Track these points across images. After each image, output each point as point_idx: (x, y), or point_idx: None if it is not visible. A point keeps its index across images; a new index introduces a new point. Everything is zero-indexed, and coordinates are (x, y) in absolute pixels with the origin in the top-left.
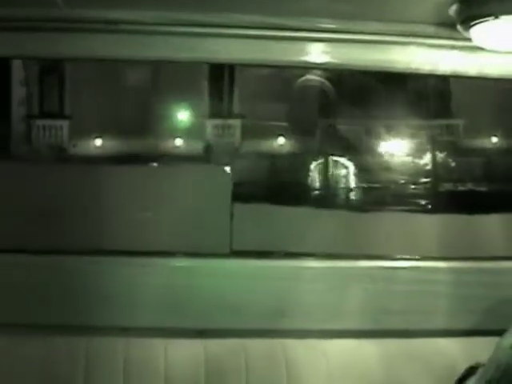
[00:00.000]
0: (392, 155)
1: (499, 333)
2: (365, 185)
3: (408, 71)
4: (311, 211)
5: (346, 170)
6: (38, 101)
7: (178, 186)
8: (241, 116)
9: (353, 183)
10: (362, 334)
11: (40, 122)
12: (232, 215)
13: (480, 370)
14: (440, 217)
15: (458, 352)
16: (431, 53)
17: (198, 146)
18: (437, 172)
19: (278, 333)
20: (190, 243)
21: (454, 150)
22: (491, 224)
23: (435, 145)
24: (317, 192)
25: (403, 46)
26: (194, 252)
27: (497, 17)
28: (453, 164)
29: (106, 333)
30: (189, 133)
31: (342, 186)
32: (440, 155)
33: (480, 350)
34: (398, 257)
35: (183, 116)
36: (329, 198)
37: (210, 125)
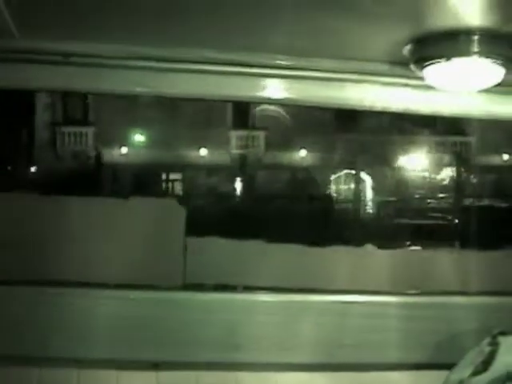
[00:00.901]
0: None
1: (449, 367)
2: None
3: (361, 108)
4: (264, 245)
5: (362, 184)
6: (62, 107)
7: (133, 219)
8: (263, 128)
9: (369, 196)
10: (314, 368)
11: (65, 129)
12: (185, 248)
13: None
14: (392, 252)
15: None
16: (384, 90)
17: (222, 157)
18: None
19: (231, 366)
20: (145, 276)
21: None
22: (442, 259)
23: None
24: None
25: (357, 84)
26: (148, 284)
27: (449, 59)
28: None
29: (59, 364)
30: (213, 143)
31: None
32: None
33: (430, 383)
34: (351, 291)
35: (208, 126)
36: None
37: (234, 136)
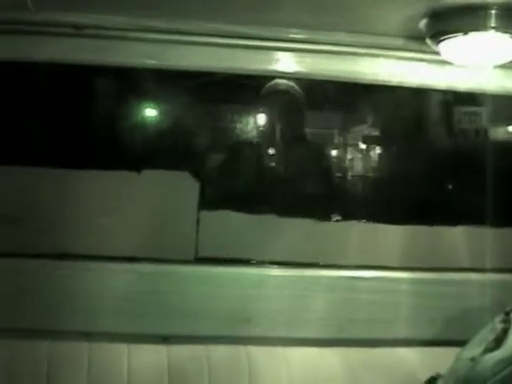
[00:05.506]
0: None
1: (459, 343)
2: None
3: (376, 83)
4: (277, 219)
5: None
6: None
7: (144, 191)
8: None
9: None
10: (324, 343)
11: (462, 109)
12: (198, 222)
13: (440, 381)
14: (404, 227)
15: (418, 362)
16: (400, 65)
17: None
18: None
19: (242, 339)
20: (156, 249)
21: None
22: (455, 236)
23: None
24: None
25: (372, 58)
26: (159, 258)
27: (466, 33)
28: None
29: (69, 337)
30: None
31: None
32: None
33: (440, 359)
34: (361, 266)
35: None
36: None
37: None
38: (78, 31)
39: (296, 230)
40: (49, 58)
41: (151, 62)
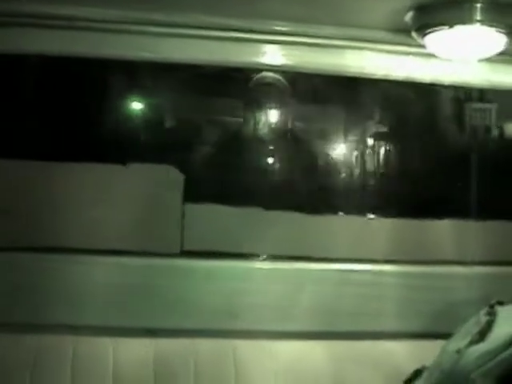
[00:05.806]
0: None
1: (445, 336)
2: None
3: (361, 76)
4: (263, 212)
5: None
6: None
7: (129, 184)
8: None
9: None
10: (311, 336)
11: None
12: (183, 215)
13: (425, 374)
14: (391, 221)
15: (405, 354)
16: (385, 58)
17: None
18: None
19: (228, 333)
20: (142, 242)
21: None
22: (441, 229)
23: None
24: None
25: (357, 51)
26: (145, 251)
27: (451, 26)
28: None
29: (54, 330)
30: None
31: None
32: None
33: (426, 352)
34: (349, 260)
35: None
36: None
37: None
38: (71, 24)
39: (283, 224)
40: (40, 51)
41: (143, 55)
